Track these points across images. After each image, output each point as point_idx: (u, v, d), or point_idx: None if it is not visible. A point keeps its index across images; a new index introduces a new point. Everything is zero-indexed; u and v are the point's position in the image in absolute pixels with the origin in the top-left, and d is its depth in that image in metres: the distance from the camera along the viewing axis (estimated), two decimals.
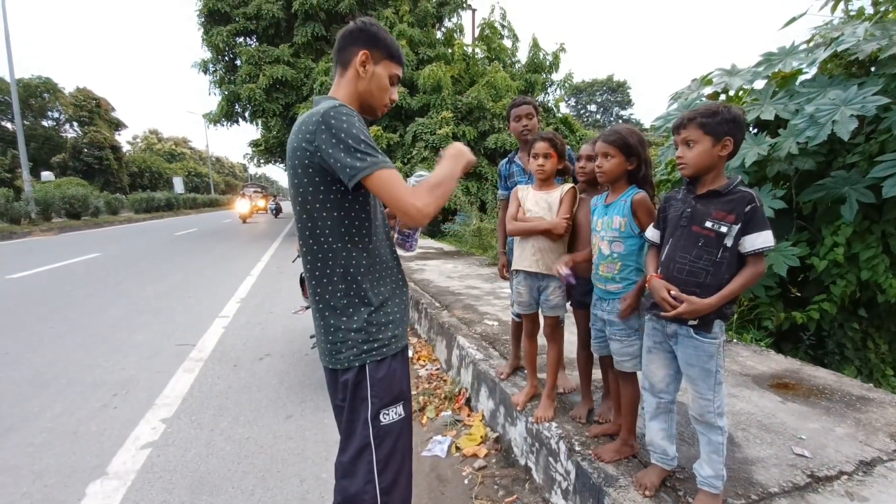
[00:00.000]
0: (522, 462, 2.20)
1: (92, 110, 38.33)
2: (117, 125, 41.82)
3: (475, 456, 2.35)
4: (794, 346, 3.65)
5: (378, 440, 1.24)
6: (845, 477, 1.66)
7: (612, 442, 1.84)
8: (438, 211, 1.19)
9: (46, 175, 27.78)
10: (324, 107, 1.14)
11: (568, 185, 2.07)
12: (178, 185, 39.70)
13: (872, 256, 3.15)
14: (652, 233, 1.62)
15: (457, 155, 1.29)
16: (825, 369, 2.68)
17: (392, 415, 1.27)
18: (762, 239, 1.35)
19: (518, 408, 2.27)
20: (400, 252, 1.48)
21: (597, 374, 2.23)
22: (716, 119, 1.40)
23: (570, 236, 2.08)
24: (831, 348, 3.53)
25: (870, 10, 3.79)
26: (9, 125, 32.95)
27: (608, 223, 1.74)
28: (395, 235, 1.49)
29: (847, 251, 3.23)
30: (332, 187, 1.16)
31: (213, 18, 14.33)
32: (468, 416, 2.76)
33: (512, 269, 2.23)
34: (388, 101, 1.34)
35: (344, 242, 1.20)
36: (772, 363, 2.76)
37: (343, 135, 1.10)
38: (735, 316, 3.72)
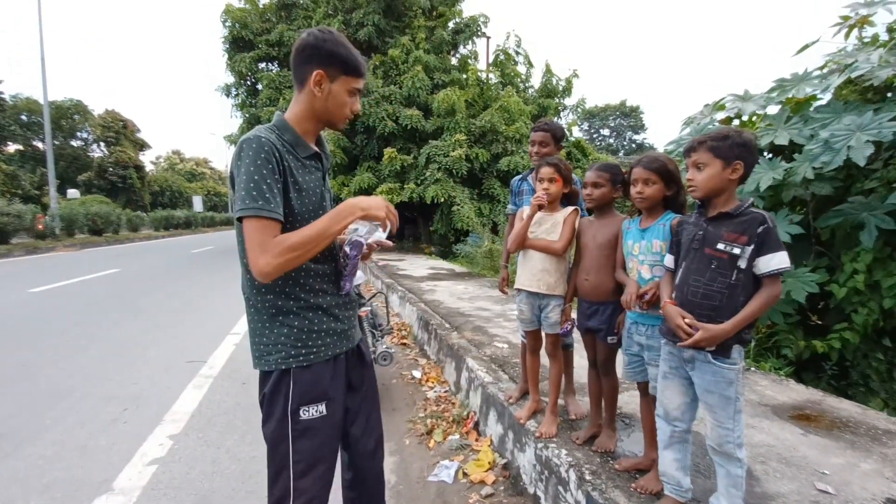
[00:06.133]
0: (531, 490, 2.14)
1: (119, 131, 39.79)
2: (142, 145, 43.28)
3: (482, 483, 2.29)
4: (816, 375, 3.52)
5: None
6: None
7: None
8: (283, 272, 1.17)
9: (72, 193, 28.77)
10: (245, 135, 1.18)
11: (570, 208, 2.13)
12: (198, 203, 40.71)
13: (895, 284, 3.06)
14: (667, 258, 1.61)
15: (340, 211, 1.23)
16: (849, 401, 2.58)
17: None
18: (777, 260, 1.34)
19: (521, 422, 2.28)
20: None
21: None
22: (726, 143, 1.41)
23: (575, 258, 2.11)
24: (855, 379, 3.40)
25: (884, 37, 3.78)
26: (40, 144, 34.37)
27: (647, 247, 1.73)
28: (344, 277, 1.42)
29: (868, 278, 3.14)
30: None
31: (237, 45, 14.91)
32: (476, 440, 2.70)
33: (515, 287, 2.27)
34: (349, 114, 1.33)
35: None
36: (792, 393, 2.67)
37: (242, 169, 1.15)
38: (753, 343, 3.62)
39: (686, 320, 1.43)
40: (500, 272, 2.77)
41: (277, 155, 1.19)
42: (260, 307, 1.28)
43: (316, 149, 1.34)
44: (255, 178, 1.14)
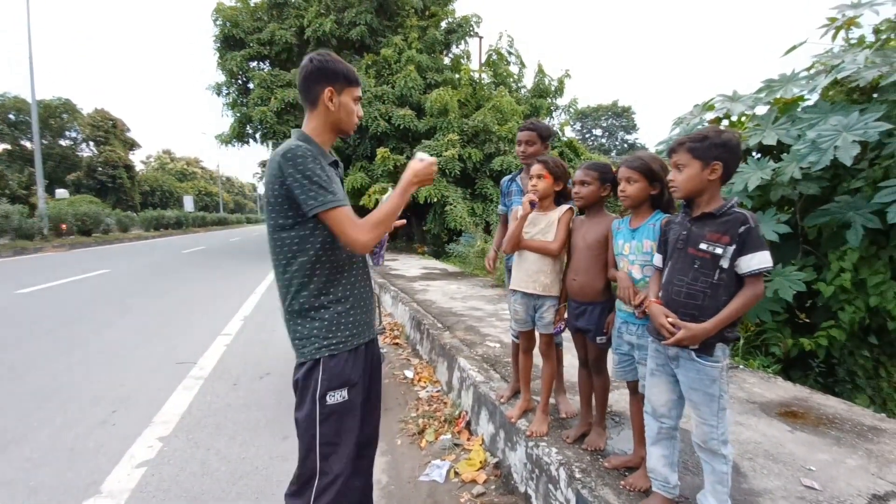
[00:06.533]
0: (522, 489, 2.14)
1: (108, 130, 39.34)
2: (132, 145, 42.82)
3: (474, 482, 2.29)
4: (804, 373, 3.56)
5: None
6: None
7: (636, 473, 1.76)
8: (378, 241, 1.44)
9: (61, 192, 28.41)
10: (282, 148, 1.35)
11: (565, 207, 2.10)
12: (189, 203, 40.40)
13: (881, 282, 3.10)
14: (656, 257, 1.62)
15: (405, 186, 1.47)
16: (835, 398, 2.61)
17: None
18: (758, 259, 1.35)
19: (511, 421, 2.28)
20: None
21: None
22: (704, 143, 1.42)
23: (566, 257, 2.10)
24: (842, 376, 3.44)
25: (871, 38, 3.84)
26: (28, 144, 33.89)
27: (638, 247, 1.73)
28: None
29: (854, 277, 3.19)
30: (289, 213, 1.37)
31: (228, 44, 14.80)
32: (468, 440, 2.71)
33: (510, 288, 2.26)
34: (356, 120, 1.53)
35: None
36: (780, 391, 2.70)
37: (299, 175, 1.31)
38: (741, 341, 3.65)
39: (669, 319, 1.44)
40: (489, 252, 2.69)
41: (318, 159, 1.36)
42: (297, 307, 1.43)
43: (334, 157, 1.52)
44: (315, 179, 1.32)
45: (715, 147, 1.41)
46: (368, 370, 1.57)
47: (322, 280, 1.42)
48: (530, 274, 2.11)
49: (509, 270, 2.57)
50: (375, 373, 1.64)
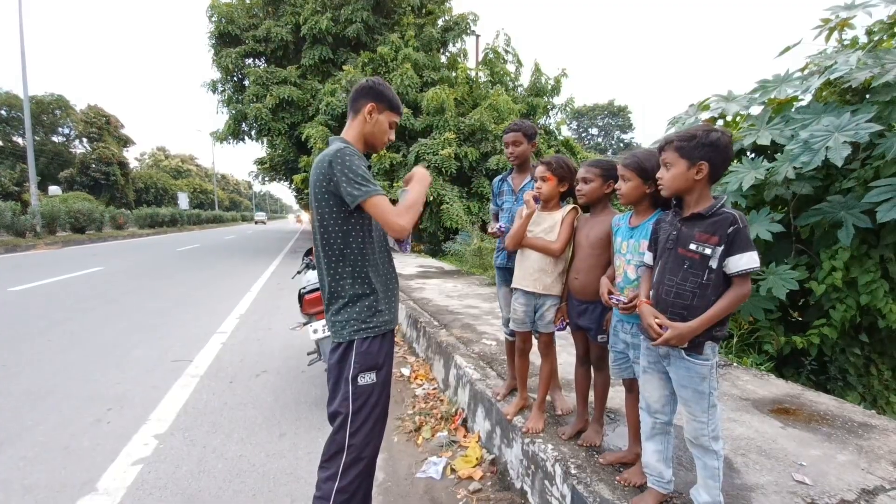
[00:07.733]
0: (518, 485, 2.16)
1: (101, 127, 39.01)
2: (126, 142, 42.50)
3: (470, 478, 2.31)
4: (796, 370, 3.60)
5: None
6: None
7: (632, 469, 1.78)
8: (414, 224, 1.60)
9: (54, 189, 28.15)
10: (332, 149, 1.53)
11: (569, 207, 2.11)
12: (183, 201, 40.14)
13: (871, 281, 3.15)
14: (647, 255, 1.63)
15: (421, 178, 1.67)
16: (827, 395, 2.64)
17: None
18: (746, 260, 1.35)
19: (508, 418, 2.30)
20: (396, 253, 1.73)
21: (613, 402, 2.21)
22: (692, 143, 1.41)
23: (571, 255, 2.11)
24: (833, 374, 3.49)
25: (863, 40, 3.87)
26: (20, 140, 33.57)
27: (635, 247, 1.72)
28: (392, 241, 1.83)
29: (846, 275, 3.23)
30: (342, 207, 1.53)
31: (223, 41, 14.73)
32: (464, 436, 2.72)
33: (511, 286, 2.26)
34: (387, 140, 1.74)
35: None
36: (772, 388, 2.73)
37: (346, 170, 1.48)
38: (735, 339, 3.69)
39: (657, 320, 1.45)
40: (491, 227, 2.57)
41: (362, 157, 1.55)
42: (342, 292, 1.59)
43: (367, 161, 1.66)
44: (361, 172, 1.50)
45: (702, 147, 1.40)
46: (391, 355, 1.69)
47: (362, 270, 1.59)
48: (532, 272, 2.11)
49: (499, 269, 2.58)
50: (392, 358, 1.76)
